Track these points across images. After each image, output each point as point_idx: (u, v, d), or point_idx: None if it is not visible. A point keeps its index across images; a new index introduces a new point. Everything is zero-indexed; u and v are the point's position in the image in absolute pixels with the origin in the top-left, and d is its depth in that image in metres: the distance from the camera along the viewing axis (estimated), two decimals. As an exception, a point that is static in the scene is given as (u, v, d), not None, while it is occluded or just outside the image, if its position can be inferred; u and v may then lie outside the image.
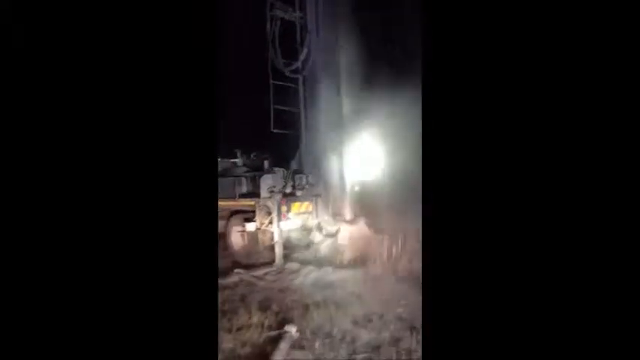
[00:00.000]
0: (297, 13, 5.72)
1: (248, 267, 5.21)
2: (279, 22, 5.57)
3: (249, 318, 3.29)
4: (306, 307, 3.52)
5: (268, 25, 5.48)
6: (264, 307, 3.59)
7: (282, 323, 3.16)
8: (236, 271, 4.93)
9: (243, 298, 3.95)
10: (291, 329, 2.98)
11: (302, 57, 5.56)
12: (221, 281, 4.58)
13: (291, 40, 5.76)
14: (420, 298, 3.35)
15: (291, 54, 5.77)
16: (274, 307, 3.56)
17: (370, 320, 3.24)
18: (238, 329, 3.09)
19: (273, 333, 2.99)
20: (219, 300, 3.85)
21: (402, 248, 5.40)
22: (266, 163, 6.38)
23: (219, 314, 3.45)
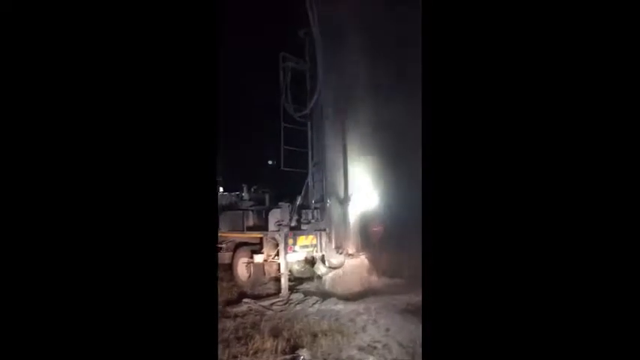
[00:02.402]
0: (307, 64, 6.38)
1: (255, 297, 5.45)
2: (290, 72, 6.21)
3: (263, 343, 3.55)
4: (314, 335, 3.79)
5: (281, 75, 6.12)
6: (275, 333, 3.85)
7: (294, 348, 3.43)
8: (244, 300, 5.17)
9: (254, 326, 4.19)
10: (303, 353, 3.26)
11: (311, 104, 6.14)
12: (232, 309, 4.84)
13: (301, 88, 6.37)
14: (419, 328, 3.64)
15: (301, 100, 6.36)
16: (285, 334, 3.82)
17: (374, 347, 3.52)
18: (255, 353, 3.36)
19: (287, 357, 3.26)
20: (232, 327, 4.12)
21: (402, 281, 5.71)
22: (267, 197, 6.78)
23: (235, 340, 3.71)
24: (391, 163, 6.05)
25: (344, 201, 6.10)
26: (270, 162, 6.32)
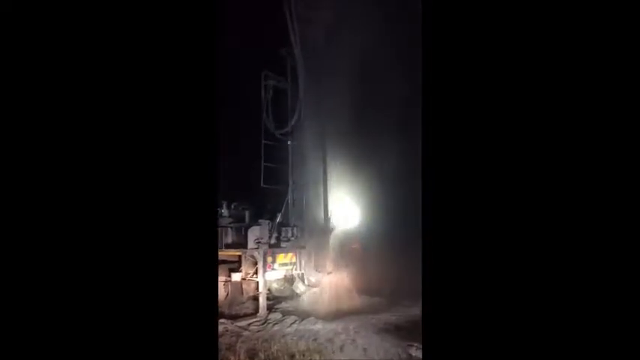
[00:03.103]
0: (289, 83, 6.47)
1: (232, 317, 5.32)
2: (271, 90, 6.28)
3: (238, 366, 3.46)
4: (292, 356, 3.72)
5: (263, 93, 6.18)
6: (251, 355, 3.76)
7: (270, 370, 3.36)
8: (220, 321, 5.03)
9: (229, 347, 4.08)
10: (280, 376, 3.19)
11: (292, 122, 6.20)
12: (207, 331, 4.70)
13: (282, 106, 6.43)
14: (398, 348, 3.64)
15: (281, 118, 6.41)
16: (261, 356, 3.73)
17: (352, 368, 3.49)
18: (229, 376, 3.26)
19: (263, 379, 3.18)
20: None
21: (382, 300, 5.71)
22: (247, 214, 6.73)
23: (209, 362, 3.60)
24: (372, 181, 6.12)
25: (324, 219, 6.10)
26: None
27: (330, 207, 6.08)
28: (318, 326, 4.79)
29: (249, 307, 5.87)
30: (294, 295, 5.98)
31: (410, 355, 3.57)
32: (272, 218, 6.18)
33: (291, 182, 6.36)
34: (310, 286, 5.80)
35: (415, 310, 5.03)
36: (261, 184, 6.12)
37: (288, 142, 6.35)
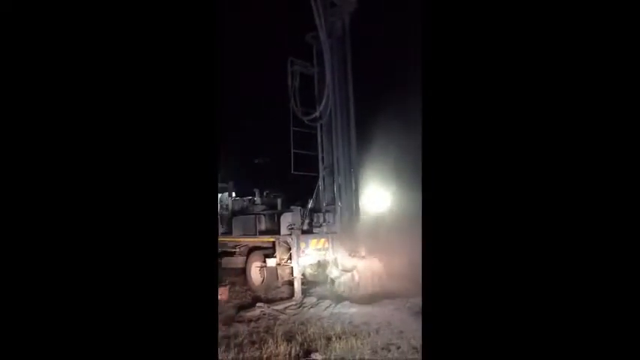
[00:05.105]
0: (315, 68, 6.43)
1: (268, 301, 5.48)
2: (298, 77, 6.27)
3: (277, 347, 3.57)
4: (328, 338, 3.79)
5: (289, 80, 6.18)
6: (288, 338, 3.86)
7: (308, 352, 3.43)
8: (258, 305, 5.20)
9: (267, 330, 4.21)
10: (317, 357, 3.26)
11: (320, 108, 6.17)
12: (245, 314, 4.87)
13: (310, 92, 6.42)
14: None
15: (309, 104, 6.41)
16: (298, 338, 3.83)
17: (389, 350, 3.50)
18: (268, 357, 3.37)
19: (301, 360, 3.27)
20: (246, 332, 4.14)
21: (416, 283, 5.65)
22: (279, 202, 6.84)
23: (249, 345, 3.73)
24: (403, 164, 6.01)
25: (355, 204, 6.08)
26: (256, 161, 6.36)
27: (361, 191, 6.04)
28: (353, 310, 4.83)
29: (284, 291, 6.02)
30: (327, 280, 6.05)
31: (447, 337, 3.53)
32: (304, 204, 6.25)
33: (321, 168, 6.37)
34: (344, 270, 5.84)
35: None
36: (292, 171, 6.18)
37: (317, 128, 6.34)
